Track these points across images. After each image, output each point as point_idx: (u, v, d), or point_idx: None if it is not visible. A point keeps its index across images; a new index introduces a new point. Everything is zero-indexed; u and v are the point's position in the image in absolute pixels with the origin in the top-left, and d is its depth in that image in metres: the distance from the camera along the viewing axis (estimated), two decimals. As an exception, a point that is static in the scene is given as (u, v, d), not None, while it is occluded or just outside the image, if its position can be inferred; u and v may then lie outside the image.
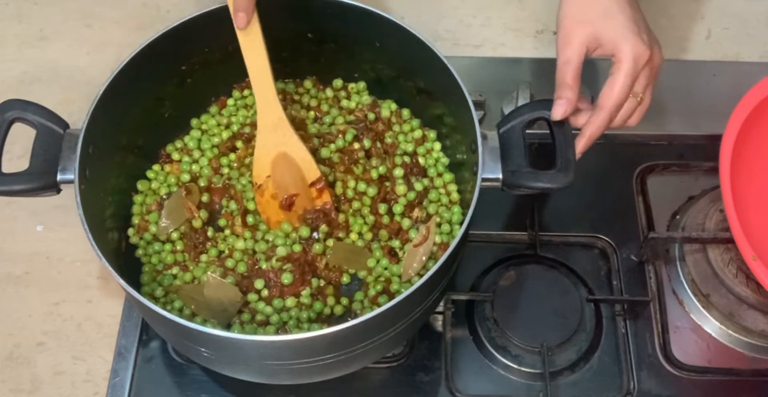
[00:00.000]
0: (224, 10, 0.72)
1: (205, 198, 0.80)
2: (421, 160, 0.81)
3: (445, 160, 0.81)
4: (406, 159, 0.81)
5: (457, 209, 0.78)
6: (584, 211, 0.90)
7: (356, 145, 0.80)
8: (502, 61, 0.99)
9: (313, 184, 0.77)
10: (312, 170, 0.76)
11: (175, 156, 0.82)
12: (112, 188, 0.75)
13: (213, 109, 0.85)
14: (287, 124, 0.75)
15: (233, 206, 0.79)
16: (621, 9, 0.71)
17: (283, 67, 0.84)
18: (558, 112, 0.71)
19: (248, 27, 0.70)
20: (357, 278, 0.78)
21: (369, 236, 0.78)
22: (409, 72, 0.80)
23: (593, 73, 0.90)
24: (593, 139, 0.73)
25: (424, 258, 0.75)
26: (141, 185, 0.80)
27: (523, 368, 0.81)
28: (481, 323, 0.83)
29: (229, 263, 0.76)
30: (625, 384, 0.81)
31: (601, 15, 0.71)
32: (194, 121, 0.84)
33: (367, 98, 0.85)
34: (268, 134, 0.75)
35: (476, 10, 1.04)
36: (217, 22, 0.74)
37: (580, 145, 0.73)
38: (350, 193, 0.79)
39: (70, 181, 0.68)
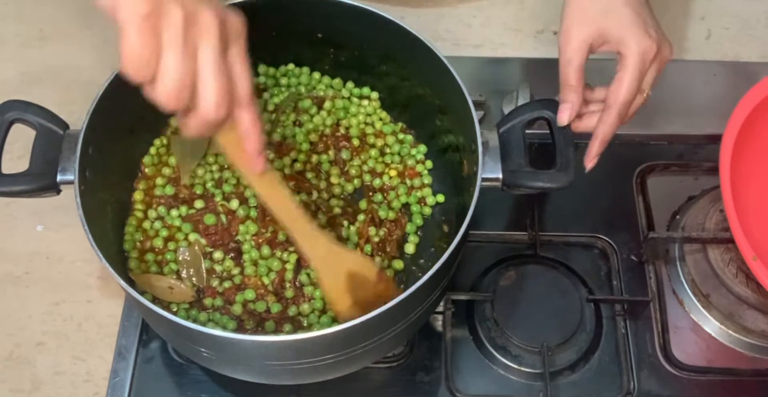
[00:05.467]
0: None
1: None
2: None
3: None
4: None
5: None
6: (584, 211, 0.90)
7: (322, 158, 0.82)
8: (502, 61, 0.99)
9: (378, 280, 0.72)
10: (371, 269, 0.71)
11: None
12: (112, 188, 0.75)
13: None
14: (337, 245, 0.68)
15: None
16: (625, 3, 0.69)
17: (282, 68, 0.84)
18: (563, 118, 0.70)
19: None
20: None
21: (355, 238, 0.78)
22: (408, 72, 0.80)
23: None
24: (607, 140, 0.71)
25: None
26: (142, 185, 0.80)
27: (523, 368, 0.81)
28: (481, 323, 0.83)
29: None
30: (625, 384, 0.81)
31: (603, 11, 0.69)
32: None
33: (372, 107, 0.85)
34: (327, 265, 0.69)
35: (476, 10, 1.03)
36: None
37: (595, 147, 0.71)
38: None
39: (70, 182, 0.67)
